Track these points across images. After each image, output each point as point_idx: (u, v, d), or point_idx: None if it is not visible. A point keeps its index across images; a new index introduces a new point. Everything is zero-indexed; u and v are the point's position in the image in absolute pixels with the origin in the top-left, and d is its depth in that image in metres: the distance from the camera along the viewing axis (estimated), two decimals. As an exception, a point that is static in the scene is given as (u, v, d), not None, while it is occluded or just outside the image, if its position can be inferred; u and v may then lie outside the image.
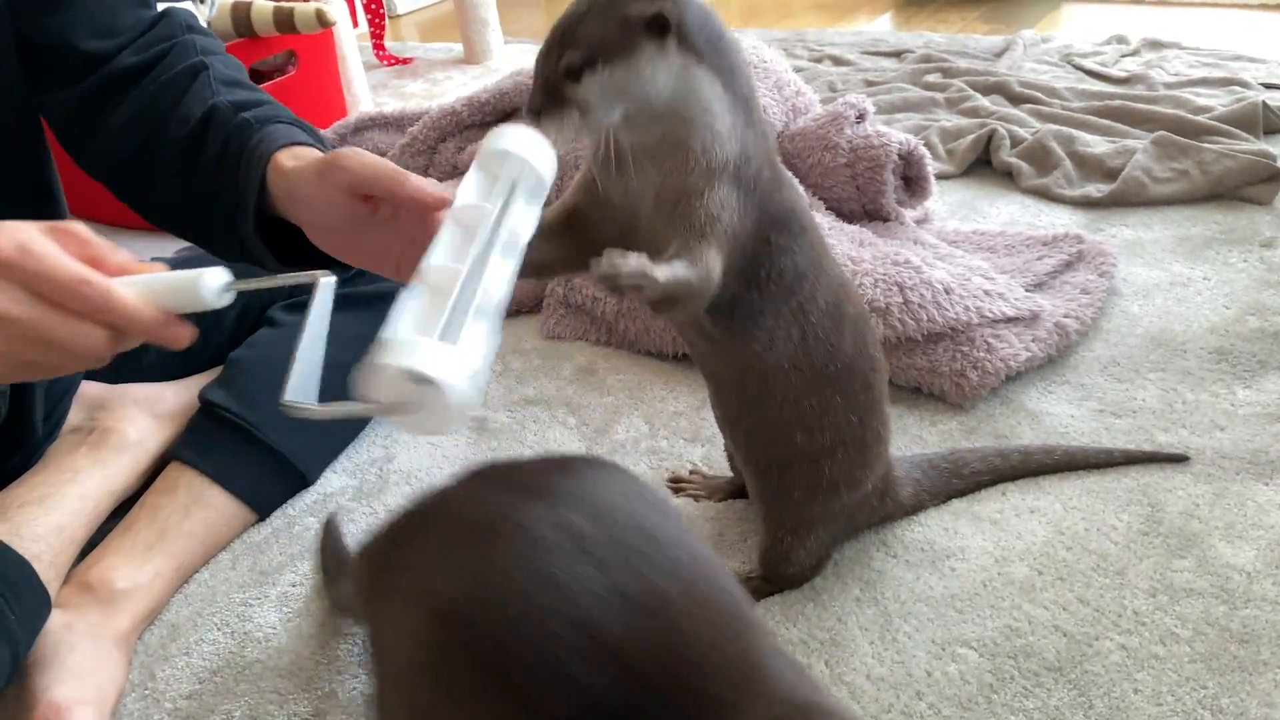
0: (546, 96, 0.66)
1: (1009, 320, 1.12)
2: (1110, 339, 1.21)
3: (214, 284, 0.58)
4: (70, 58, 0.83)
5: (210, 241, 0.84)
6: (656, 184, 0.70)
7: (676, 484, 1.04)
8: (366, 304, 1.05)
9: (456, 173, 1.58)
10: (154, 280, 0.58)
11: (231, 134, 0.79)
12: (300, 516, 1.06)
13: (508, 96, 1.58)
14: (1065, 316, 1.17)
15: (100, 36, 0.84)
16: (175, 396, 1.08)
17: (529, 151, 0.62)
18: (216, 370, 1.10)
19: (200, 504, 0.99)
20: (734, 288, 0.72)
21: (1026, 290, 1.20)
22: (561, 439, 1.14)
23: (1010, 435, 1.07)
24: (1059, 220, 1.50)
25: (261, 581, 0.98)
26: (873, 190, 1.30)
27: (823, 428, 0.82)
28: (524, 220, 0.62)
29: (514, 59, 2.65)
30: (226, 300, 0.59)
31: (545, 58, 0.67)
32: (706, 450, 1.09)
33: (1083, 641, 0.82)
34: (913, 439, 1.09)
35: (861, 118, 1.33)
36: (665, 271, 0.63)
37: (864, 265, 1.14)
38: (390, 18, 3.42)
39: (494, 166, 0.62)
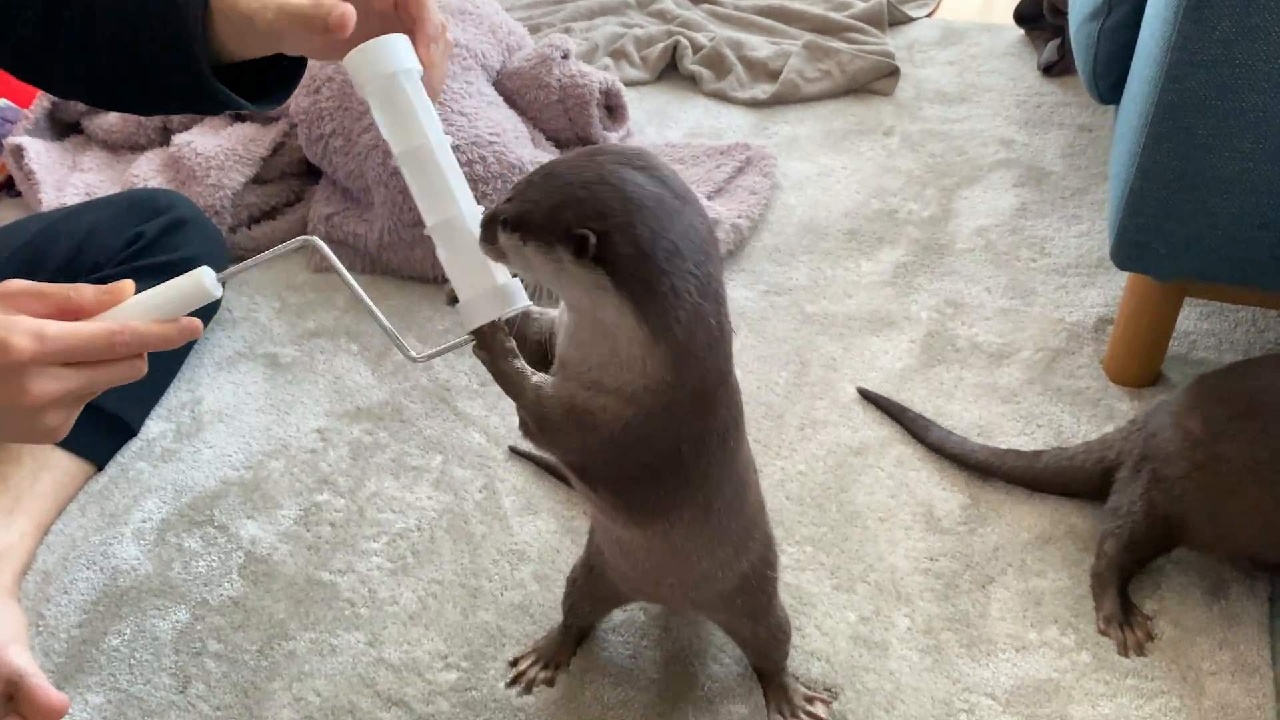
0: (485, 227, 0.68)
1: (696, 227, 1.43)
2: (774, 229, 1.56)
3: (210, 279, 0.66)
4: None
5: (146, 95, 0.85)
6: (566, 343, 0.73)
7: (518, 678, 0.98)
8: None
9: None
10: (157, 298, 0.65)
11: None
12: (131, 462, 1.24)
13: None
14: (739, 218, 1.49)
15: None
16: None
17: (389, 63, 0.70)
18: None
19: (46, 467, 1.15)
20: (639, 489, 0.74)
21: (708, 197, 1.52)
22: (348, 365, 1.36)
23: (703, 319, 1.40)
24: (735, 123, 1.81)
25: (114, 523, 1.17)
26: (582, 122, 1.56)
27: (744, 553, 0.84)
28: (436, 122, 0.72)
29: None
30: (220, 291, 0.66)
31: (509, 192, 0.68)
32: (473, 362, 1.35)
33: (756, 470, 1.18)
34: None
35: (566, 56, 1.57)
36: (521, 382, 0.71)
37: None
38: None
39: (387, 98, 0.70)
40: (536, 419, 0.71)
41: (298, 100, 1.52)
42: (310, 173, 1.63)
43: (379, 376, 1.34)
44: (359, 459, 1.23)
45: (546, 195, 0.65)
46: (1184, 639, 0.99)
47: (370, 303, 0.70)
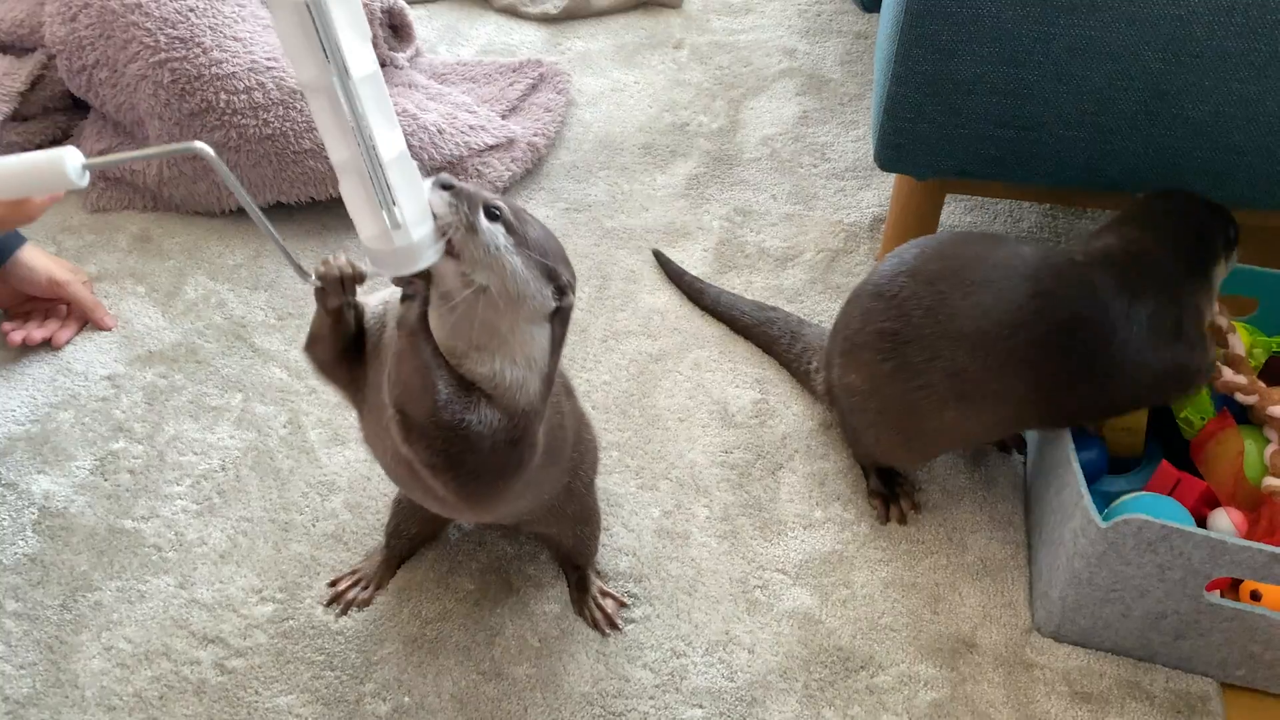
0: (461, 192, 0.71)
1: (491, 148, 1.44)
2: (571, 146, 1.57)
3: (75, 163, 0.58)
4: None
5: None
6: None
7: (336, 599, 1.01)
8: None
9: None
10: (10, 171, 0.58)
11: None
12: (-100, 427, 1.16)
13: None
14: (535, 136, 1.50)
15: None
16: None
17: None
18: None
19: None
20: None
21: (503, 116, 1.52)
22: (136, 308, 1.31)
23: (504, 239, 1.41)
24: (527, 39, 1.80)
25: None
26: (366, 43, 1.51)
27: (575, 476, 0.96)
28: (361, 56, 0.60)
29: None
30: (86, 180, 0.59)
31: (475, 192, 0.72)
32: (269, 295, 1.32)
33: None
34: (434, 253, 1.39)
35: (345, -25, 1.52)
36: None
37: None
38: None
39: (287, 23, 0.58)
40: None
41: (53, 29, 1.42)
42: (78, 106, 1.53)
43: (170, 318, 1.29)
44: (155, 403, 1.19)
45: (547, 239, 0.78)
46: (950, 502, 1.10)
47: (264, 219, 0.66)
